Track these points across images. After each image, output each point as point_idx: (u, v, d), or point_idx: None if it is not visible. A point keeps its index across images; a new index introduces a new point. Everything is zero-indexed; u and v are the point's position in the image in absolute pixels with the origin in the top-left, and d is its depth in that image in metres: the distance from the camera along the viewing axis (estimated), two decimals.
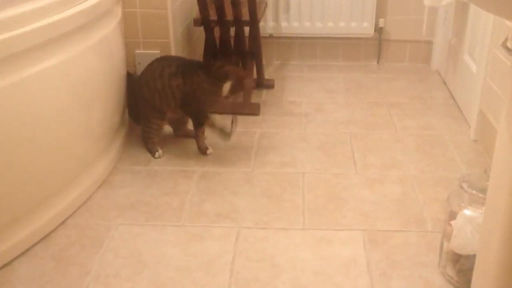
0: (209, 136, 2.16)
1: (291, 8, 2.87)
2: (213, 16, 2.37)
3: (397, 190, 1.86)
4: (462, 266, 1.41)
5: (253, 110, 2.43)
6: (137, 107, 2.12)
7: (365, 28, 2.88)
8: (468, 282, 1.22)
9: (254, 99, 2.53)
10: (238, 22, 2.37)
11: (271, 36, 2.95)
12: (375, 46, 2.99)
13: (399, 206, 1.78)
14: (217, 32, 2.45)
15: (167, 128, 2.21)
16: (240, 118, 2.28)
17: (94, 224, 1.70)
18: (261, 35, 2.58)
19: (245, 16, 2.36)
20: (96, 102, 1.84)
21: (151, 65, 2.05)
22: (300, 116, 2.42)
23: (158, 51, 2.28)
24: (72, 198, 1.75)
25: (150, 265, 1.52)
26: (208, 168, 2.00)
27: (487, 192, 1.07)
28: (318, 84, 2.77)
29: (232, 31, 2.45)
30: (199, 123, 2.06)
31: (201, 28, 2.46)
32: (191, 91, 1.99)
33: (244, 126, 2.31)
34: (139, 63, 2.30)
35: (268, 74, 2.82)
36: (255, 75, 2.61)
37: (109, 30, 1.89)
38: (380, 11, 2.90)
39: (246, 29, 2.45)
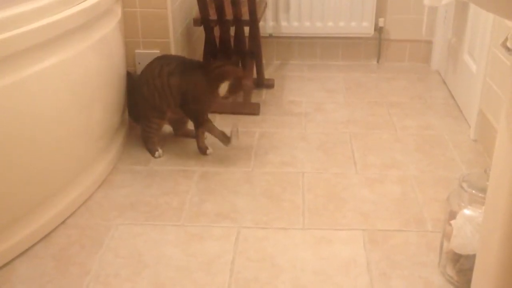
0: (209, 136, 2.16)
1: (291, 8, 2.87)
2: (213, 15, 2.37)
3: (397, 190, 1.86)
4: (462, 266, 1.41)
5: (253, 109, 2.43)
6: (137, 107, 2.12)
7: (365, 27, 2.88)
8: (468, 282, 1.22)
9: (254, 98, 2.53)
10: (238, 21, 2.37)
11: (271, 35, 2.95)
12: (375, 46, 2.99)
13: (399, 206, 1.78)
14: (217, 31, 2.45)
15: (167, 128, 2.21)
16: (240, 117, 2.28)
17: (94, 224, 1.70)
18: (261, 34, 2.58)
19: (245, 15, 2.36)
20: (96, 102, 1.84)
21: (150, 64, 2.05)
22: (300, 115, 2.42)
23: (158, 51, 2.28)
24: (72, 198, 1.75)
25: (150, 265, 1.52)
26: (208, 168, 2.00)
27: (487, 191, 1.07)
28: (318, 84, 2.77)
29: (232, 30, 2.45)
30: (199, 123, 2.06)
31: (201, 28, 2.46)
32: (189, 90, 1.99)
33: (244, 126, 2.31)
34: (139, 63, 2.30)
35: (268, 73, 2.82)
36: (255, 75, 2.61)
37: (108, 30, 1.89)
38: (380, 11, 2.90)
39: (246, 29, 2.45)
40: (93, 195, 1.84)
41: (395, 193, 1.85)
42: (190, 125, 2.14)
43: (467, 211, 1.38)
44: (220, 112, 2.37)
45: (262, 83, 2.69)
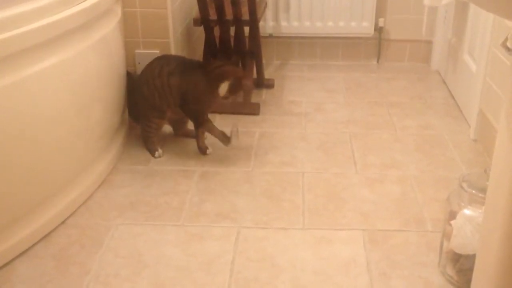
0: (209, 136, 2.16)
1: (291, 8, 2.87)
2: (213, 15, 2.37)
3: (397, 190, 1.86)
4: (462, 265, 1.41)
5: (253, 109, 2.43)
6: (137, 106, 2.12)
7: (365, 27, 2.88)
8: (468, 281, 1.22)
9: (254, 98, 2.53)
10: (238, 21, 2.37)
11: (271, 35, 2.95)
12: (375, 46, 2.99)
13: (399, 206, 1.78)
14: (217, 31, 2.45)
15: (167, 128, 2.21)
16: (240, 117, 2.28)
17: (94, 223, 1.70)
18: (261, 34, 2.58)
19: (245, 15, 2.36)
20: (96, 102, 1.84)
21: (150, 64, 2.05)
22: (300, 115, 2.42)
23: (158, 51, 2.28)
24: (72, 198, 1.75)
25: (150, 265, 1.52)
26: (208, 168, 2.00)
27: (487, 191, 1.07)
28: (318, 84, 2.77)
29: (232, 30, 2.45)
30: (199, 123, 2.06)
31: (201, 28, 2.46)
32: (189, 90, 1.99)
33: (244, 125, 2.31)
34: (139, 63, 2.30)
35: (268, 73, 2.82)
36: (255, 75, 2.61)
37: (108, 30, 1.89)
38: (380, 11, 2.90)
39: (246, 29, 2.45)
40: (93, 195, 1.84)
41: (395, 193, 1.85)
42: (190, 125, 2.14)
43: (467, 211, 1.38)
44: (220, 112, 2.37)
45: (262, 83, 2.69)
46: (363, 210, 1.76)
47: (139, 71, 2.18)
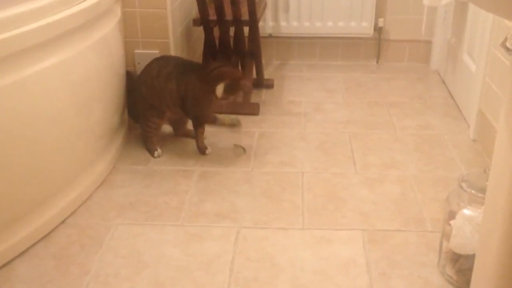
0: (209, 136, 2.16)
1: (290, 8, 2.88)
2: (212, 16, 2.37)
3: (397, 190, 1.86)
4: (461, 265, 1.41)
5: (253, 110, 2.43)
6: (137, 106, 2.12)
7: (365, 27, 2.88)
8: (468, 281, 1.23)
9: (253, 99, 2.53)
10: (237, 22, 2.37)
11: (270, 35, 2.95)
12: (375, 46, 3.00)
13: (398, 206, 1.78)
14: (216, 32, 2.45)
15: (167, 128, 2.21)
16: (240, 118, 2.28)
17: (94, 223, 1.70)
18: (261, 35, 2.58)
19: (245, 15, 2.36)
20: (95, 102, 1.84)
21: (149, 64, 2.05)
22: (299, 115, 2.42)
23: (158, 51, 2.28)
24: (72, 198, 1.75)
25: (150, 265, 1.53)
26: (207, 168, 2.01)
27: (487, 191, 1.07)
28: (318, 84, 2.77)
29: (232, 31, 2.45)
30: (199, 123, 2.06)
31: (201, 28, 2.46)
32: (188, 92, 1.99)
33: (243, 125, 2.31)
34: (139, 63, 2.30)
35: (267, 74, 2.82)
36: (254, 75, 2.61)
37: (108, 30, 1.89)
38: (379, 11, 2.90)
39: (246, 29, 2.46)
40: (92, 195, 1.84)
41: (395, 193, 1.85)
42: (190, 125, 2.14)
43: (466, 211, 1.38)
44: (220, 112, 2.37)
45: (261, 83, 2.70)
46: (362, 210, 1.76)
47: (138, 71, 2.18)
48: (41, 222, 1.62)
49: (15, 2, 1.49)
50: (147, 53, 2.27)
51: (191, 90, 1.98)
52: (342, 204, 1.79)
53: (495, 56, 2.01)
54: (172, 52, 2.30)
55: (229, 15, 2.35)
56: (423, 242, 1.61)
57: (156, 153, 2.07)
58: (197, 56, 2.62)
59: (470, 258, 1.34)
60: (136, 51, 2.31)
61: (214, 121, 2.11)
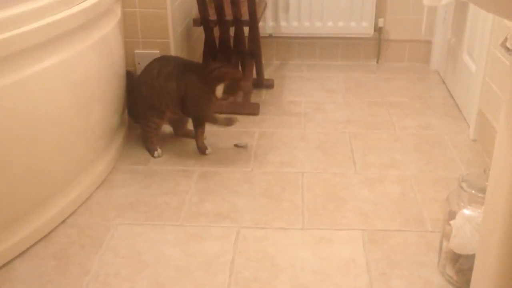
0: (209, 136, 2.16)
1: (290, 8, 2.88)
2: (212, 16, 2.37)
3: (397, 190, 1.86)
4: (461, 265, 1.41)
5: (253, 110, 2.43)
6: (137, 106, 2.12)
7: (365, 27, 2.88)
8: (468, 281, 1.23)
9: (253, 99, 2.53)
10: (237, 22, 2.37)
11: (270, 36, 2.95)
12: (375, 46, 3.00)
13: (398, 206, 1.78)
14: (216, 32, 2.45)
15: (167, 128, 2.21)
16: (239, 118, 2.28)
17: (94, 223, 1.70)
18: (261, 35, 2.58)
19: (245, 16, 2.36)
20: (95, 102, 1.84)
21: (150, 64, 2.05)
22: (299, 115, 2.42)
23: (158, 51, 2.28)
24: (72, 198, 1.75)
25: (150, 265, 1.53)
26: (207, 168, 2.01)
27: (487, 191, 1.07)
28: (318, 84, 2.77)
29: (232, 31, 2.45)
30: (199, 124, 2.06)
31: (201, 28, 2.46)
32: (188, 93, 1.99)
33: (243, 126, 2.31)
34: (139, 63, 2.30)
35: (267, 74, 2.82)
36: (254, 75, 2.61)
37: (108, 30, 1.89)
38: (379, 11, 2.90)
39: (246, 29, 2.46)
40: (92, 195, 1.84)
41: (395, 193, 1.85)
42: (190, 125, 2.14)
43: (466, 211, 1.38)
44: (220, 113, 2.37)
45: (261, 83, 2.70)
46: (362, 210, 1.76)
47: (138, 71, 2.18)
48: (41, 222, 1.62)
49: (15, 2, 1.50)
50: (147, 53, 2.27)
51: (191, 90, 1.98)
52: (342, 204, 1.79)
53: (495, 56, 2.01)
54: (172, 52, 2.30)
55: (229, 15, 2.35)
56: (423, 242, 1.61)
57: (156, 153, 2.07)
58: (197, 56, 2.62)
59: (470, 258, 1.34)
60: (136, 51, 2.31)
61: (214, 121, 2.12)
